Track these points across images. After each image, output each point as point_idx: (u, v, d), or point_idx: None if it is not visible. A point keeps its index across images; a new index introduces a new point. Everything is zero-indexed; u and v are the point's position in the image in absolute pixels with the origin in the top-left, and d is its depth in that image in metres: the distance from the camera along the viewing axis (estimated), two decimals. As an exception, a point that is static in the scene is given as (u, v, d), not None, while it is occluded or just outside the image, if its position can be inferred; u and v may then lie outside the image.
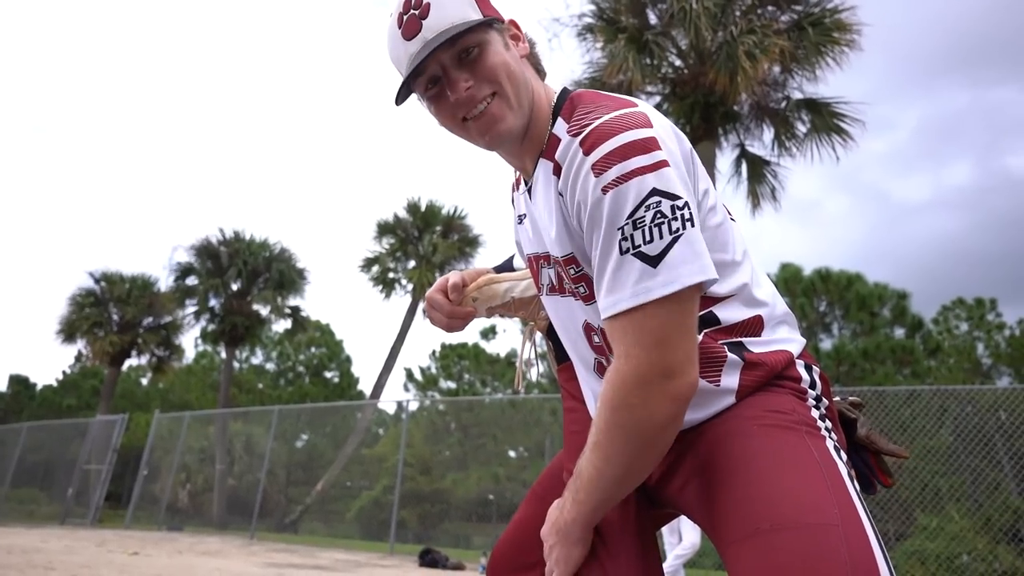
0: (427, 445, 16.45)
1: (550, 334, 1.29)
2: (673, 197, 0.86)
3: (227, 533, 11.88)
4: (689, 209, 0.87)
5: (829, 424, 0.98)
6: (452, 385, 25.36)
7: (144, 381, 28.52)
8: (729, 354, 0.97)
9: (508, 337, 27.41)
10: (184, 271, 17.60)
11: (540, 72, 1.09)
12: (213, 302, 17.46)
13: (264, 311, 17.85)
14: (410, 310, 16.52)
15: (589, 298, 1.00)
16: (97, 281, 18.67)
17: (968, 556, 7.69)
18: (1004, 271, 42.80)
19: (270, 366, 29.22)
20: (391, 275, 17.07)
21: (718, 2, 9.76)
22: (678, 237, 0.85)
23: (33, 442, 15.20)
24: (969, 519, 8.02)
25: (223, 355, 19.31)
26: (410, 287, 16.54)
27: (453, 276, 1.30)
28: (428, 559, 8.01)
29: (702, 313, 0.97)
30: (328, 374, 28.98)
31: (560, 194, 0.96)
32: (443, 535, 13.90)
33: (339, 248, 61.05)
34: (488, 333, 25.97)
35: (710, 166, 9.75)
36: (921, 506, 8.09)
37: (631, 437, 0.88)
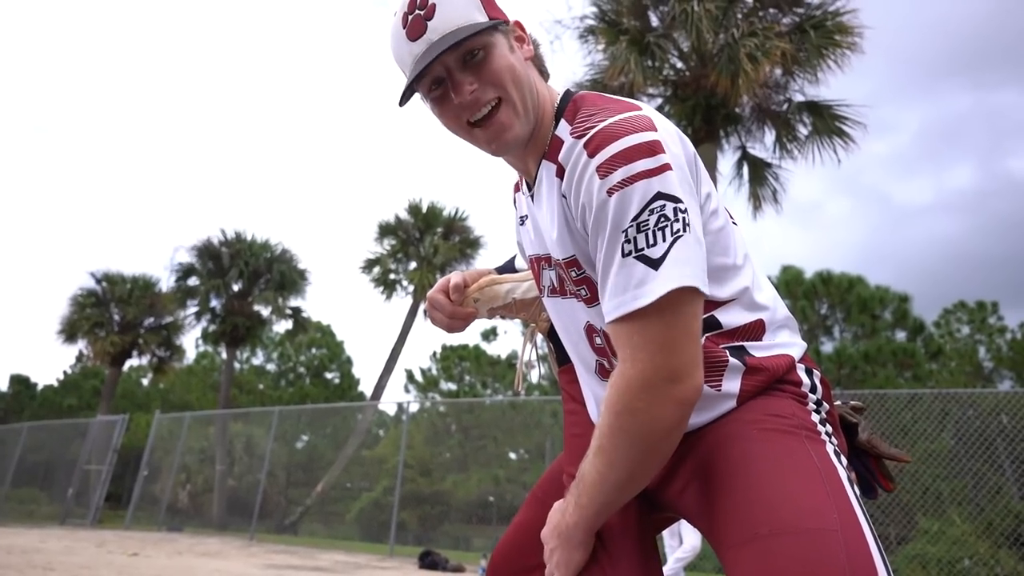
0: (427, 447, 16.44)
1: (551, 336, 1.29)
2: (675, 200, 0.86)
3: (227, 534, 11.87)
4: (690, 213, 0.87)
5: (829, 428, 0.98)
6: (453, 387, 25.36)
7: (145, 381, 28.55)
8: (731, 359, 0.97)
9: (509, 339, 27.43)
10: (185, 272, 17.62)
11: (544, 73, 1.09)
12: (214, 303, 17.47)
13: (265, 312, 17.87)
14: (411, 311, 16.52)
15: (591, 300, 1.00)
16: (98, 281, 18.70)
17: (970, 560, 7.67)
18: (1006, 274, 42.78)
19: (271, 367, 29.24)
20: (392, 276, 17.08)
21: (720, 4, 9.76)
22: (678, 239, 0.85)
23: (33, 442, 15.20)
24: (971, 523, 8.00)
25: (224, 356, 19.31)
26: (411, 288, 16.54)
27: (455, 277, 1.29)
28: (428, 561, 7.99)
29: (704, 317, 0.96)
30: (329, 375, 28.98)
31: (564, 196, 0.96)
32: (443, 537, 13.88)
33: (340, 249, 61.11)
34: (489, 335, 25.98)
35: (712, 168, 9.75)
36: (922, 510, 8.08)
37: (635, 442, 0.88)
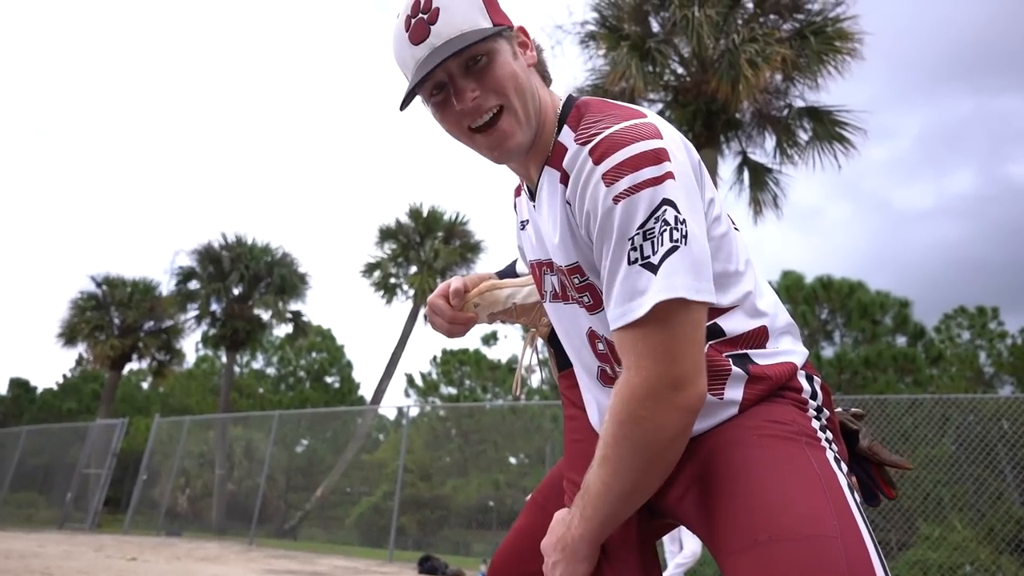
0: (427, 451, 16.41)
1: (551, 341, 1.29)
2: (677, 208, 0.86)
3: (226, 539, 11.84)
4: (691, 223, 0.87)
5: (830, 435, 0.97)
6: (453, 391, 25.33)
7: (144, 385, 28.51)
8: (733, 367, 0.96)
9: (509, 343, 27.42)
10: (186, 275, 17.62)
11: (546, 79, 1.08)
12: (214, 306, 17.47)
13: (265, 316, 17.86)
14: (411, 316, 16.51)
15: (593, 307, 1.00)
16: (98, 285, 18.70)
17: (971, 566, 7.64)
18: (1006, 279, 42.77)
19: (271, 371, 29.21)
20: (392, 280, 17.08)
21: (720, 10, 9.80)
22: (675, 248, 0.85)
23: (32, 446, 15.17)
24: (972, 529, 7.98)
25: (224, 359, 19.30)
26: (411, 293, 16.53)
27: (455, 282, 1.29)
28: (427, 566, 7.96)
29: (707, 324, 0.96)
30: (329, 379, 28.95)
31: (568, 203, 0.95)
32: (443, 542, 13.84)
33: (341, 253, 61.18)
34: (489, 339, 25.97)
35: (712, 173, 9.73)
36: (923, 515, 8.05)
37: (640, 450, 0.87)
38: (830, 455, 0.93)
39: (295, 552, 9.98)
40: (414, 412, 18.66)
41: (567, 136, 0.97)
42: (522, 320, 1.31)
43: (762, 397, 0.97)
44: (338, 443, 15.73)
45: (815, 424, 0.97)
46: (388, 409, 22.35)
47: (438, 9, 0.95)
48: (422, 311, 15.65)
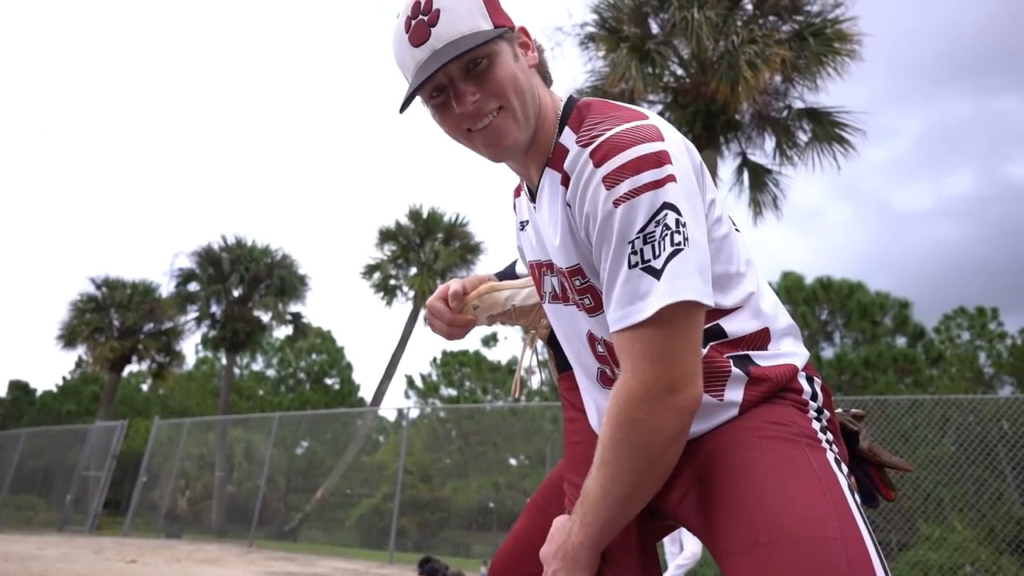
0: (427, 452, 16.39)
1: (551, 342, 1.29)
2: (679, 212, 0.86)
3: (226, 541, 11.82)
4: (692, 226, 0.87)
5: (830, 436, 0.97)
6: (453, 392, 25.33)
7: (144, 387, 28.50)
8: (734, 368, 0.96)
9: (509, 345, 27.44)
10: (185, 277, 17.62)
11: (547, 79, 1.08)
12: (214, 308, 17.46)
13: (265, 317, 17.85)
14: (411, 317, 16.51)
15: (594, 309, 1.00)
16: (98, 287, 18.70)
17: (971, 567, 7.63)
18: (1006, 280, 42.78)
19: (271, 373, 29.20)
20: (392, 282, 17.07)
21: (720, 12, 9.81)
22: (678, 251, 0.85)
23: (32, 448, 15.16)
24: (972, 529, 7.97)
25: (224, 361, 19.30)
26: (411, 294, 16.53)
27: (454, 284, 1.29)
28: (428, 568, 7.95)
29: (709, 326, 0.96)
30: (329, 381, 28.94)
31: (568, 205, 0.95)
32: (443, 543, 13.83)
33: (340, 255, 61.17)
34: (489, 341, 25.96)
35: (712, 175, 9.59)
36: (923, 516, 8.05)
37: (637, 453, 0.87)
38: (831, 456, 0.93)
39: (295, 554, 9.97)
40: (414, 414, 18.66)
41: (568, 137, 0.97)
42: (521, 322, 1.31)
43: (763, 399, 0.96)
44: (338, 445, 15.72)
45: (816, 425, 0.96)
46: (388, 411, 22.36)
47: (439, 11, 0.94)
48: (422, 313, 15.64)
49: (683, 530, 4.91)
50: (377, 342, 60.68)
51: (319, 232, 62.85)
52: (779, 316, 1.04)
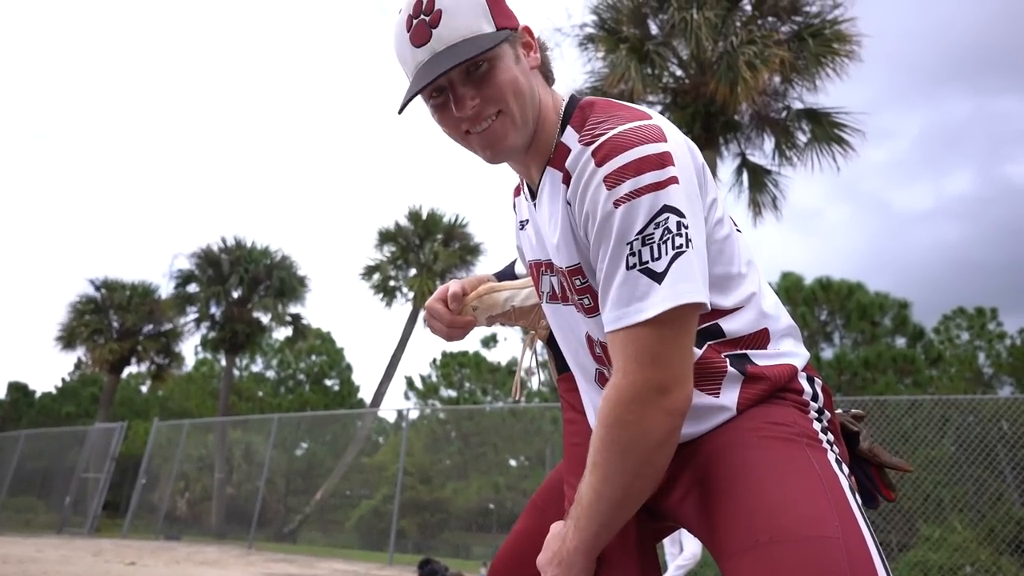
0: (427, 454, 16.38)
1: (551, 343, 1.28)
2: (680, 214, 0.86)
3: (225, 542, 11.81)
4: (693, 228, 0.86)
5: (831, 437, 0.97)
6: (453, 393, 25.32)
7: (144, 389, 28.48)
8: (730, 368, 0.96)
9: (509, 346, 27.44)
10: (185, 278, 17.61)
11: (549, 78, 1.07)
12: (214, 310, 17.45)
13: (265, 319, 17.85)
14: (411, 318, 16.51)
15: (592, 310, 0.99)
16: (97, 288, 18.69)
17: (971, 567, 7.63)
18: (1005, 280, 42.81)
19: (270, 374, 29.19)
20: (392, 283, 17.07)
21: (719, 13, 9.82)
22: (680, 254, 0.85)
23: (31, 450, 15.14)
24: (972, 530, 7.97)
25: (223, 363, 19.28)
26: (411, 295, 16.53)
27: (453, 285, 1.28)
28: (427, 569, 7.94)
29: (707, 325, 0.96)
30: (328, 382, 28.92)
31: (568, 203, 0.95)
32: (443, 545, 13.82)
33: (340, 256, 61.18)
34: (489, 342, 25.97)
35: (711, 175, 9.78)
36: (923, 516, 8.05)
37: (628, 454, 0.87)
38: (831, 457, 0.92)
39: (294, 556, 9.96)
40: (414, 415, 18.65)
41: (570, 136, 0.97)
42: (521, 323, 1.31)
43: (761, 398, 0.96)
44: (338, 446, 15.71)
45: (816, 426, 0.96)
46: (388, 412, 22.33)
47: (440, 11, 0.93)
48: (421, 314, 15.63)
49: (683, 531, 4.91)
50: (377, 343, 60.69)
51: (318, 233, 62.87)
52: (780, 317, 1.04)
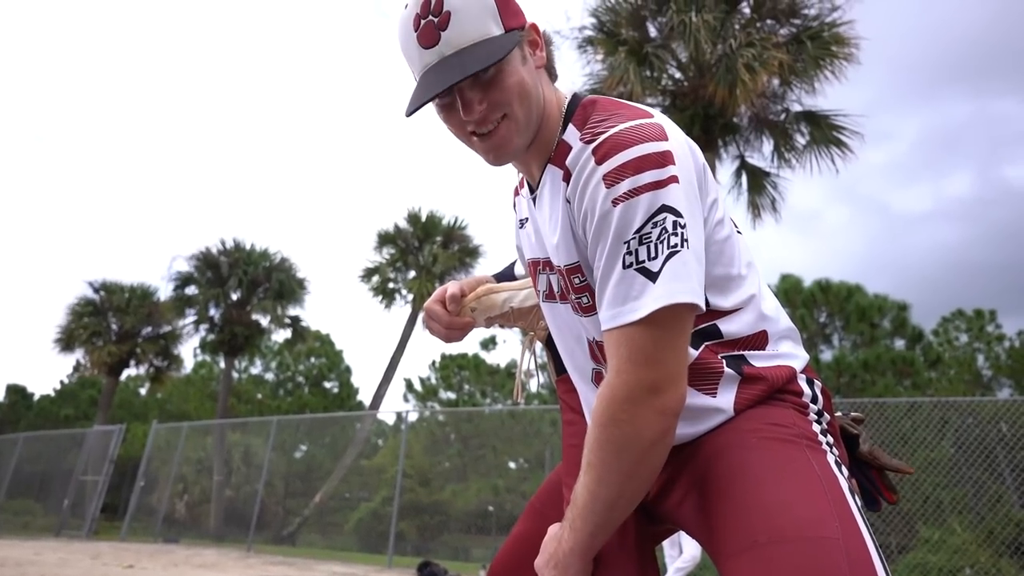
0: (426, 456, 16.37)
1: (549, 344, 1.28)
2: (678, 214, 0.85)
3: (224, 545, 11.78)
4: (690, 229, 0.86)
5: (830, 439, 0.97)
6: (452, 396, 25.29)
7: (142, 391, 28.43)
8: (726, 368, 0.96)
9: (508, 348, 27.39)
10: (184, 281, 17.59)
11: (552, 74, 1.06)
12: (212, 312, 17.43)
13: (264, 321, 17.83)
14: (410, 320, 16.50)
15: (590, 309, 0.99)
16: (96, 290, 18.67)
17: (971, 569, 7.63)
18: (1004, 282, 42.86)
19: (269, 376, 29.14)
20: (391, 285, 17.06)
21: (718, 16, 9.84)
22: (675, 253, 0.84)
23: (29, 452, 15.10)
24: (971, 532, 7.97)
25: (222, 365, 19.26)
26: (410, 297, 16.52)
27: (451, 287, 1.28)
28: (427, 572, 7.93)
29: (705, 326, 0.96)
30: (327, 384, 28.89)
31: (568, 201, 0.95)
32: (442, 547, 13.79)
33: (339, 258, 61.17)
34: (488, 344, 25.94)
35: (712, 176, 9.78)
36: (923, 518, 8.04)
37: (621, 454, 0.87)
38: (831, 458, 0.92)
39: (293, 558, 9.94)
40: (413, 417, 18.63)
41: (572, 134, 0.97)
42: (520, 324, 1.31)
43: (759, 399, 0.96)
44: (337, 448, 15.69)
45: (816, 428, 0.96)
46: (387, 414, 22.31)
47: (449, 13, 0.92)
48: (421, 316, 15.61)
49: (682, 533, 4.90)
50: (376, 345, 60.66)
51: (318, 235, 62.86)
52: (779, 319, 1.03)
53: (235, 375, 25.26)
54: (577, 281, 0.99)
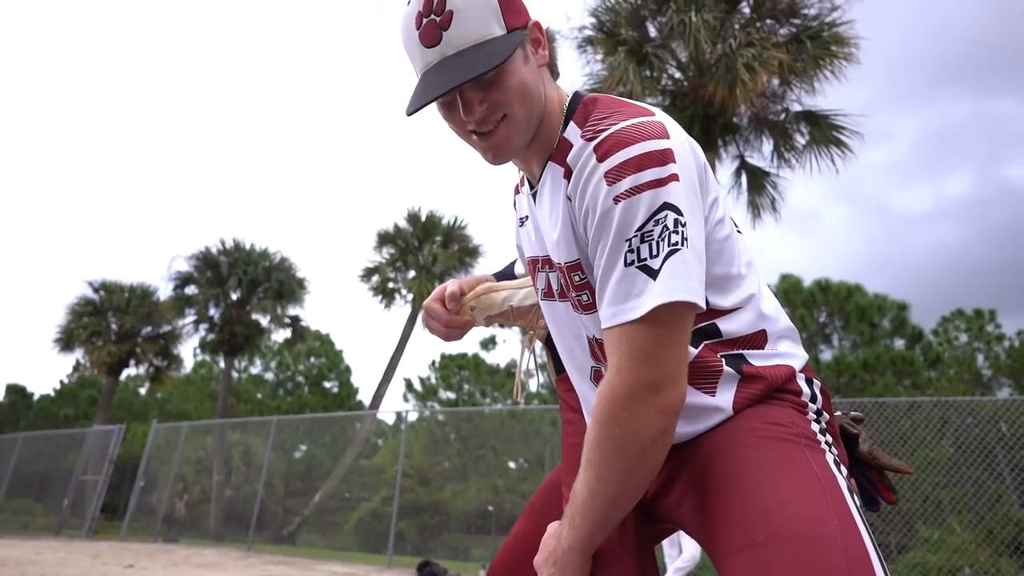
0: (426, 456, 16.37)
1: (549, 343, 1.28)
2: (679, 212, 0.85)
3: (224, 545, 11.78)
4: (690, 227, 0.86)
5: (829, 438, 0.97)
6: (452, 396, 25.29)
7: (142, 391, 28.42)
8: (725, 367, 0.96)
9: (508, 348, 27.39)
10: (183, 280, 17.59)
11: (554, 72, 1.06)
12: (212, 312, 17.43)
13: (264, 321, 17.82)
14: (410, 320, 16.51)
15: (590, 306, 0.99)
16: (96, 290, 18.66)
17: (970, 569, 7.63)
18: (1003, 282, 42.87)
19: (269, 376, 29.14)
20: (391, 285, 17.06)
21: (717, 15, 9.84)
22: (675, 251, 0.84)
23: (29, 452, 15.11)
24: (971, 531, 7.97)
25: (222, 365, 19.26)
26: (410, 297, 16.52)
27: (451, 285, 1.28)
28: (427, 571, 7.93)
29: (704, 325, 0.96)
30: (327, 384, 28.89)
31: (569, 198, 0.95)
32: (442, 547, 13.79)
33: (339, 258, 61.13)
34: (488, 343, 25.94)
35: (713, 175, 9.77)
36: (922, 518, 8.05)
37: (621, 452, 0.87)
38: (830, 458, 0.92)
39: (293, 558, 9.94)
40: (413, 417, 18.63)
41: (573, 132, 0.96)
42: (519, 323, 1.31)
43: (758, 398, 0.96)
44: (336, 448, 15.69)
45: (815, 427, 0.96)
46: (387, 414, 22.30)
47: (451, 13, 0.91)
48: (420, 315, 15.55)
49: (682, 533, 4.91)
50: (376, 345, 60.65)
51: (317, 235, 62.85)
52: (778, 319, 1.03)
53: (235, 375, 25.25)
54: (577, 279, 0.99)
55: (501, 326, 1.35)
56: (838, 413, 1.10)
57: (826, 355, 17.02)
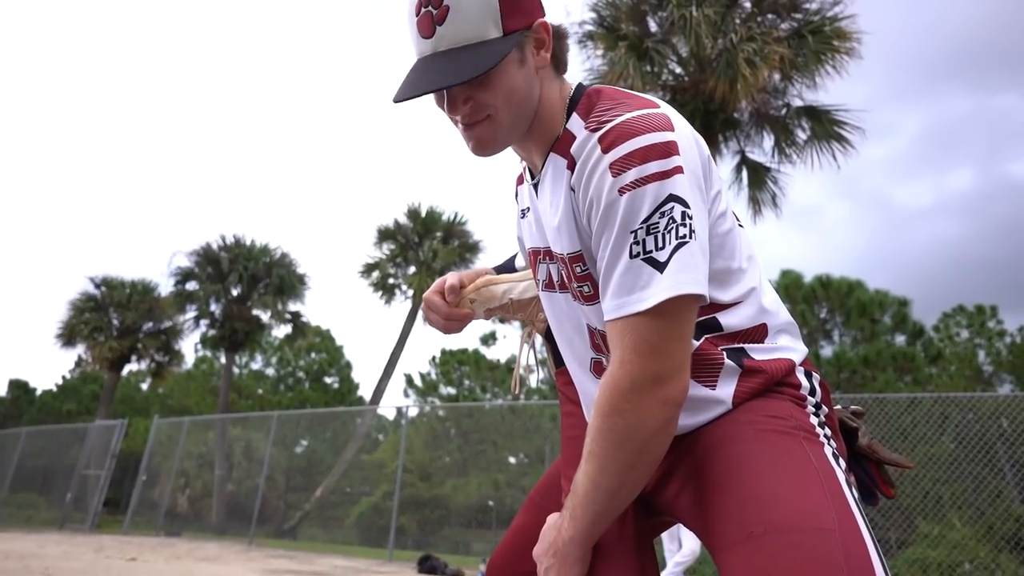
0: (427, 451, 16.40)
1: (549, 337, 1.28)
2: (685, 204, 0.85)
3: (226, 539, 11.82)
4: (696, 220, 0.86)
5: (828, 431, 0.97)
6: (452, 391, 25.32)
7: (144, 386, 28.49)
8: (727, 360, 0.96)
9: (508, 343, 27.40)
10: (184, 276, 17.61)
11: (561, 67, 1.04)
12: (213, 307, 17.46)
13: (264, 316, 17.85)
14: (410, 316, 16.52)
15: (592, 298, 0.99)
16: (97, 286, 18.69)
17: (970, 564, 7.64)
18: (1005, 278, 42.82)
19: (270, 371, 29.20)
20: (391, 281, 17.07)
21: (718, 10, 9.80)
22: (683, 244, 0.84)
23: (32, 447, 15.16)
24: (971, 527, 7.98)
25: (223, 360, 19.29)
26: (410, 293, 16.53)
27: (451, 278, 1.28)
28: (427, 565, 7.96)
29: (705, 319, 0.96)
30: (328, 380, 28.94)
31: (572, 189, 0.94)
32: (442, 541, 13.84)
33: (339, 254, 61.13)
34: (488, 339, 25.97)
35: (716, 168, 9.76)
36: (923, 514, 8.06)
37: (623, 444, 0.87)
38: (828, 451, 0.92)
39: (295, 552, 9.97)
40: (413, 412, 18.67)
41: (576, 123, 0.96)
42: (519, 315, 1.31)
43: (758, 392, 0.96)
44: (337, 443, 15.72)
45: (813, 420, 0.96)
46: (387, 409, 22.33)
47: (447, 8, 0.91)
48: (421, 311, 15.57)
49: (681, 527, 4.92)
50: (376, 341, 60.69)
51: (318, 231, 62.85)
52: (779, 313, 1.03)
53: (236, 370, 25.31)
54: (579, 270, 0.99)
55: (501, 319, 1.35)
56: (838, 407, 1.10)
57: (827, 351, 17.01)
